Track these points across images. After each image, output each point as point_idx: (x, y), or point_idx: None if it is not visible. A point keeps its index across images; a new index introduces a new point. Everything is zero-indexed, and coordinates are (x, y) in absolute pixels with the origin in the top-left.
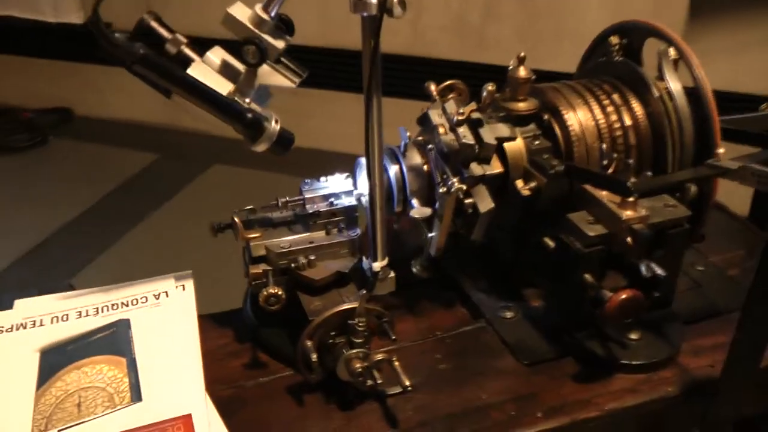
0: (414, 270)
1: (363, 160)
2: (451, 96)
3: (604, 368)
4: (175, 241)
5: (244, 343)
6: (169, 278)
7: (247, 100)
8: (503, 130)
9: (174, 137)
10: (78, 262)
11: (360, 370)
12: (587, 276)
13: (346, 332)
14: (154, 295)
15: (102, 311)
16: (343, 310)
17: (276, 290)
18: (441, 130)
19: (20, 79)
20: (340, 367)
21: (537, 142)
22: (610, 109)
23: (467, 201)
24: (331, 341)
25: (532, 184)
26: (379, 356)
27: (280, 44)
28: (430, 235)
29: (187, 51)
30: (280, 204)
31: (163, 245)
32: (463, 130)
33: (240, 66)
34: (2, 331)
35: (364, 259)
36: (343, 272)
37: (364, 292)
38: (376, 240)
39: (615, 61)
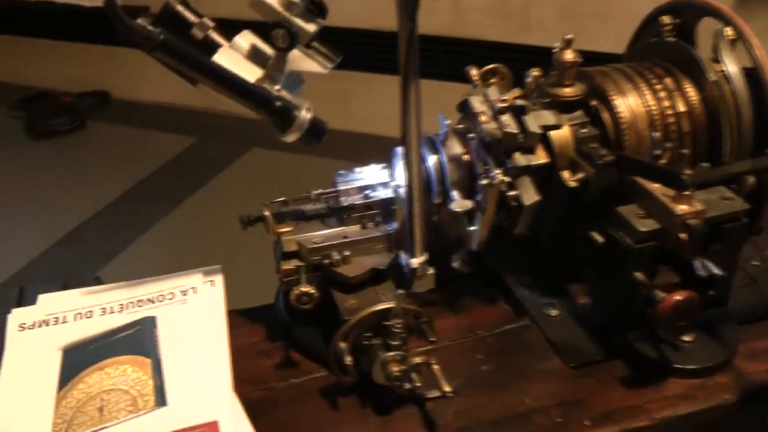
0: (454, 264)
1: (400, 149)
2: (493, 81)
3: (656, 372)
4: (209, 228)
5: (275, 341)
6: (197, 273)
7: (277, 87)
8: (548, 117)
9: (211, 120)
10: (110, 250)
11: (397, 373)
12: (637, 273)
13: (382, 333)
14: (182, 291)
15: (127, 308)
16: (380, 309)
17: (308, 288)
18: (482, 117)
19: (57, 63)
20: (376, 370)
21: (584, 130)
22: (662, 94)
23: (511, 193)
24: (366, 342)
25: (580, 175)
26: (418, 359)
27: (311, 27)
28: (470, 228)
29: (215, 36)
30: (313, 196)
31: (197, 233)
32: (506, 118)
33: (269, 51)
34: (24, 329)
35: (401, 254)
36: (379, 269)
37: (401, 291)
38: (414, 234)
39: (667, 42)
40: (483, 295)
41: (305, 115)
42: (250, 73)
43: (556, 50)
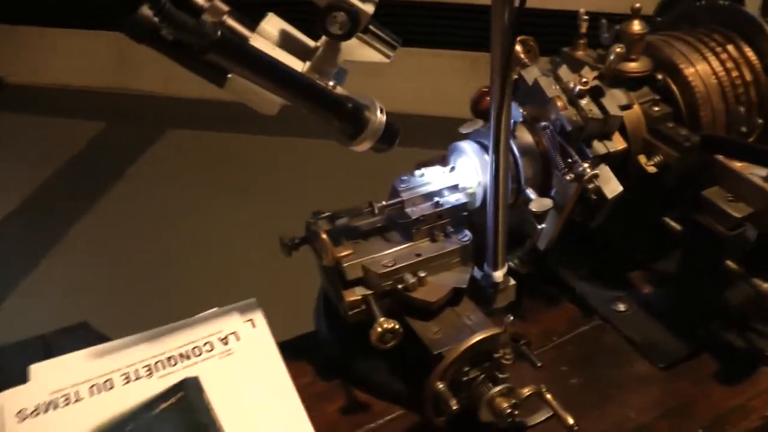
0: (512, 264)
1: (463, 145)
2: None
3: (748, 363)
4: (140, 224)
5: (331, 379)
6: (233, 313)
7: (331, 83)
8: (621, 97)
9: (121, 102)
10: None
11: (508, 410)
12: (730, 262)
13: (484, 364)
14: (221, 339)
15: (157, 369)
16: (482, 340)
17: (391, 324)
18: (559, 103)
19: None
20: (482, 409)
21: (657, 108)
22: (729, 64)
23: (590, 185)
24: (465, 378)
25: (657, 159)
26: (528, 390)
27: (369, 8)
28: (541, 226)
29: (232, 23)
30: (376, 210)
31: (130, 230)
32: (585, 102)
33: (305, 39)
34: (26, 417)
35: (480, 268)
36: (460, 288)
37: (510, 318)
38: (497, 245)
39: (720, 5)
40: (543, 294)
41: (380, 117)
42: (294, 68)
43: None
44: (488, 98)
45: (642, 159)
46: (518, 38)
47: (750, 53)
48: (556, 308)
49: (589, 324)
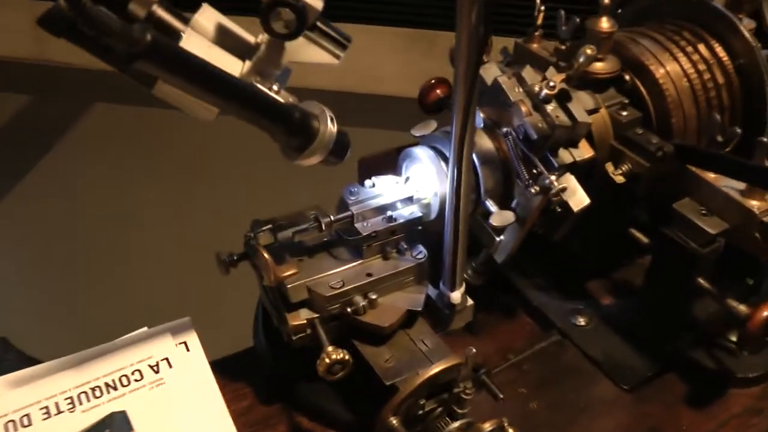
0: (466, 276)
1: (417, 152)
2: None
3: (717, 384)
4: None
5: (272, 403)
6: (165, 335)
7: (275, 87)
8: (587, 100)
9: (45, 74)
10: None
11: None
12: (702, 281)
13: (438, 394)
14: (151, 367)
15: (79, 402)
16: (442, 371)
17: (341, 355)
18: (524, 108)
19: None
20: None
21: (625, 113)
22: (701, 66)
23: (555, 198)
24: (420, 411)
25: (625, 168)
26: (489, 426)
27: (317, 3)
28: (499, 238)
29: (162, 14)
30: (323, 226)
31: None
32: (552, 108)
33: (244, 34)
34: None
35: (436, 287)
36: (414, 310)
37: (473, 350)
38: (456, 263)
39: None
40: (498, 306)
41: (330, 128)
42: (231, 68)
43: (590, 18)
44: (438, 91)
45: (609, 167)
46: None
47: (722, 53)
48: (513, 322)
49: (547, 340)
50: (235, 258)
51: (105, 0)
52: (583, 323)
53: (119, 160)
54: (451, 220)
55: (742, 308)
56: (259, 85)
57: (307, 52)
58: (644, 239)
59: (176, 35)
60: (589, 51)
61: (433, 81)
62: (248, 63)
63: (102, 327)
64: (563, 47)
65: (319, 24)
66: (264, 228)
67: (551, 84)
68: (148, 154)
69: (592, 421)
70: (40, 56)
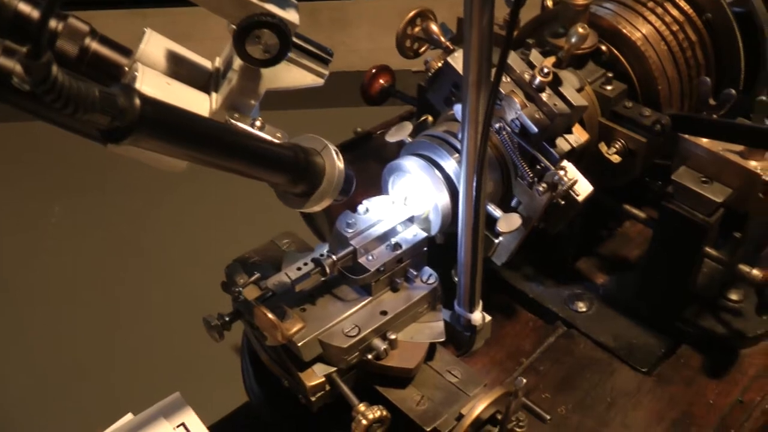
0: (456, 279)
1: (405, 164)
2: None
3: (729, 349)
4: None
5: None
6: (159, 420)
7: (258, 123)
8: (572, 79)
9: None
10: None
11: None
12: (711, 250)
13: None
14: None
15: None
16: (489, 406)
17: (377, 413)
18: (518, 100)
19: None
20: None
21: (610, 87)
22: (674, 27)
23: (560, 189)
24: None
25: (618, 146)
26: None
27: (293, 16)
28: (498, 240)
29: (99, 48)
30: (327, 269)
31: None
32: (547, 96)
33: (197, 58)
34: None
35: (455, 310)
36: (436, 342)
37: (522, 381)
38: (474, 283)
39: None
40: (494, 307)
41: (339, 165)
42: (199, 107)
43: None
44: (381, 80)
45: (603, 148)
46: (413, 12)
47: (688, 9)
48: (514, 321)
49: (554, 334)
50: (227, 319)
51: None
52: (584, 308)
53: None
54: (467, 238)
55: (756, 273)
56: (251, 129)
57: (287, 75)
58: (641, 214)
59: (119, 72)
60: (581, 30)
61: (374, 70)
62: (217, 96)
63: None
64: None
65: (297, 41)
66: (250, 280)
67: (545, 71)
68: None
69: (624, 417)
70: None
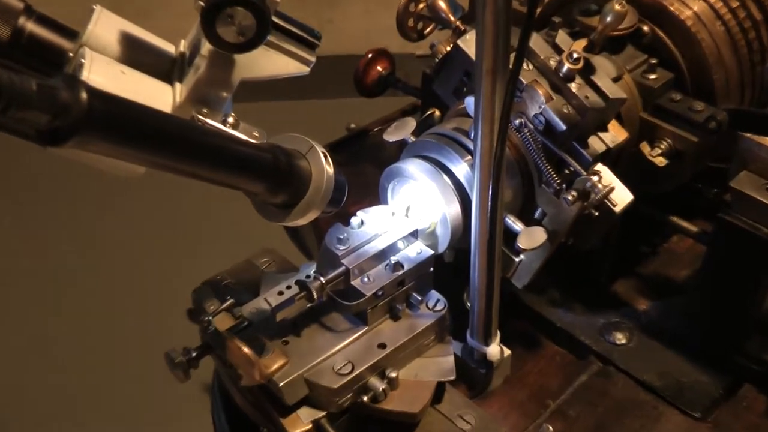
0: (468, 305)
1: (408, 168)
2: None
3: None
4: None
5: None
6: None
7: (231, 120)
8: (608, 67)
9: None
10: None
11: None
12: None
13: None
14: None
15: None
16: None
17: None
18: (542, 92)
19: None
20: None
21: (654, 76)
22: (733, 3)
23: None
24: None
25: (664, 146)
26: None
27: None
28: (519, 259)
29: (35, 29)
30: (315, 293)
31: None
32: (577, 86)
33: (157, 41)
34: None
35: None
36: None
37: (549, 429)
38: (490, 309)
39: None
40: (514, 337)
41: (327, 170)
42: (161, 100)
43: None
44: (378, 67)
45: (645, 148)
46: None
47: None
48: (538, 354)
49: (587, 371)
50: (194, 354)
51: None
52: (623, 340)
53: None
54: (482, 256)
55: None
56: (223, 128)
57: (266, 63)
58: (692, 228)
59: (62, 59)
60: (618, 7)
61: (370, 55)
62: (181, 88)
63: None
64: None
65: (278, 21)
66: (222, 307)
67: (575, 56)
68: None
69: None
70: None
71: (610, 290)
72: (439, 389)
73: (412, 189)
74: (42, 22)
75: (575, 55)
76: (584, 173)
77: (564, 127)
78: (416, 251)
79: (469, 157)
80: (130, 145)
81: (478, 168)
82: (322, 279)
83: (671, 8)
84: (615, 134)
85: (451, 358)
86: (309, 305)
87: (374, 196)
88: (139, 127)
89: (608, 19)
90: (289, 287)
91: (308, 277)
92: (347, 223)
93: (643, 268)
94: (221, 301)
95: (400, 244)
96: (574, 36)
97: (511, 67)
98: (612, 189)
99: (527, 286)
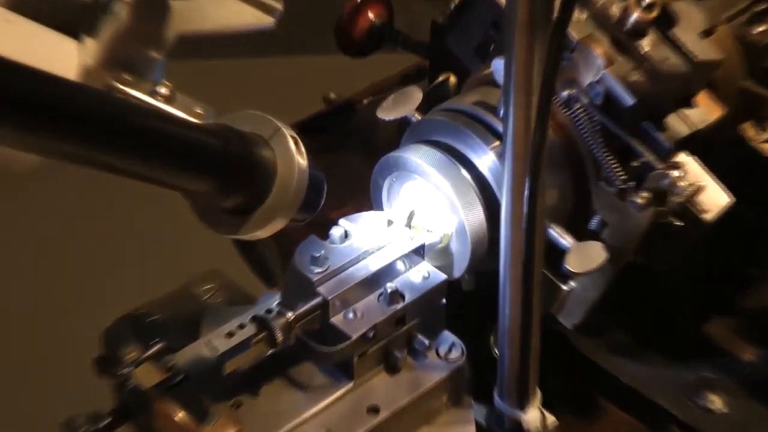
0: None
1: (411, 159)
2: None
3: None
4: None
5: None
6: None
7: (163, 91)
8: (695, 16)
9: None
10: None
11: None
12: None
13: None
14: None
15: None
16: None
17: None
18: (599, 50)
19: None
20: None
21: (762, 29)
22: None
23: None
24: None
25: None
26: None
27: None
28: (569, 287)
29: None
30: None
31: None
32: (650, 44)
33: None
34: None
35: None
36: None
37: None
38: (527, 359)
39: None
40: (561, 396)
41: (299, 161)
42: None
43: None
44: (370, 15)
45: (749, 131)
46: None
47: None
48: (596, 421)
49: None
50: (105, 423)
51: None
52: (719, 404)
53: None
54: (514, 284)
55: None
56: (151, 100)
57: (215, 10)
58: None
59: None
60: None
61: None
62: (93, 44)
63: None
64: None
65: None
66: (147, 354)
67: (646, 2)
68: None
69: None
70: None
71: (699, 332)
72: None
73: (416, 188)
74: None
75: (646, 1)
76: (660, 166)
77: (631, 102)
78: (422, 276)
79: (498, 143)
80: (18, 126)
81: (509, 159)
82: (289, 314)
83: None
84: (705, 111)
85: (472, 428)
86: (270, 351)
87: (363, 197)
88: (32, 99)
89: None
90: (242, 326)
91: (269, 311)
92: (326, 235)
93: (746, 301)
94: (145, 346)
95: (400, 266)
96: None
97: (555, 17)
98: (701, 188)
99: (580, 326)
